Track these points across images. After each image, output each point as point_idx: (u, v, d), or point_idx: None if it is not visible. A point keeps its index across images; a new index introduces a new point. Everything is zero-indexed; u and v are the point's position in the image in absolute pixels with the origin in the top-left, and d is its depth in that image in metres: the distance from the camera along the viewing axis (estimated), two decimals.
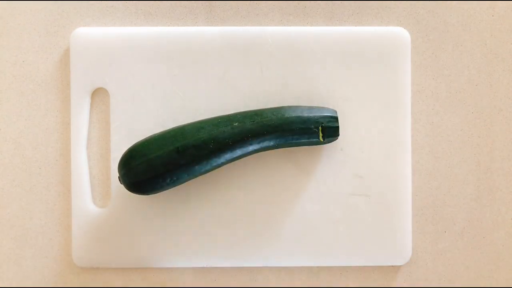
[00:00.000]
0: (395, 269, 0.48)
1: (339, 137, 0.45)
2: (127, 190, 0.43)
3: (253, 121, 0.43)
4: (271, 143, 0.43)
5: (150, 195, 0.46)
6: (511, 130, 0.48)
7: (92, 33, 0.47)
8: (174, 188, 0.44)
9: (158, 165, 0.41)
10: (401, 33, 0.47)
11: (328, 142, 0.45)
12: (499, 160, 0.48)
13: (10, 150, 0.48)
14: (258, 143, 0.43)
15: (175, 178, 0.42)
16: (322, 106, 0.46)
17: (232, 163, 0.45)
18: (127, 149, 0.43)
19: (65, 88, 0.48)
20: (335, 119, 0.44)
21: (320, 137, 0.43)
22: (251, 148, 0.43)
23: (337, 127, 0.44)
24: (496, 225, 0.48)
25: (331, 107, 0.46)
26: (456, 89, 0.48)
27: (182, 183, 0.43)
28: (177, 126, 0.43)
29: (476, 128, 0.48)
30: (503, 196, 0.48)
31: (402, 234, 0.47)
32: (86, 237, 0.46)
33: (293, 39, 0.47)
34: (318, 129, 0.43)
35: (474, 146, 0.48)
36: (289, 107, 0.44)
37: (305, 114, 0.43)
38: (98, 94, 0.48)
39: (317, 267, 0.47)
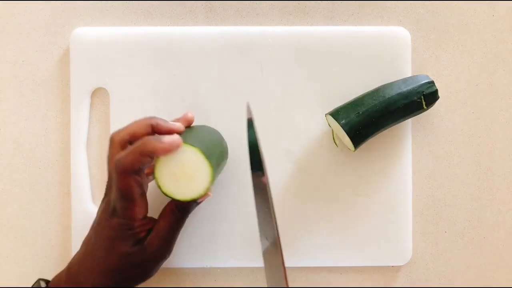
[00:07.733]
0: (395, 269, 0.48)
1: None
2: None
3: (358, 113, 0.43)
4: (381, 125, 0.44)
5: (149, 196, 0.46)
6: (511, 130, 0.48)
7: (92, 33, 0.47)
8: None
9: None
10: (401, 33, 0.47)
11: (428, 109, 0.44)
12: (499, 160, 0.48)
13: (10, 150, 0.48)
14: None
15: None
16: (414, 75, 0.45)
17: (232, 162, 0.45)
18: None
19: (65, 88, 0.48)
20: (432, 83, 0.44)
21: (424, 105, 0.44)
22: None
23: (436, 91, 0.44)
24: (496, 225, 0.48)
25: (330, 107, 0.46)
26: (456, 89, 0.48)
27: None
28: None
29: (476, 128, 0.48)
30: (503, 196, 0.48)
31: (402, 234, 0.47)
32: None
33: (293, 39, 0.47)
34: (421, 99, 0.43)
35: (474, 146, 0.48)
36: (384, 86, 0.44)
37: (404, 88, 0.43)
38: (98, 94, 0.48)
39: (317, 267, 0.47)
